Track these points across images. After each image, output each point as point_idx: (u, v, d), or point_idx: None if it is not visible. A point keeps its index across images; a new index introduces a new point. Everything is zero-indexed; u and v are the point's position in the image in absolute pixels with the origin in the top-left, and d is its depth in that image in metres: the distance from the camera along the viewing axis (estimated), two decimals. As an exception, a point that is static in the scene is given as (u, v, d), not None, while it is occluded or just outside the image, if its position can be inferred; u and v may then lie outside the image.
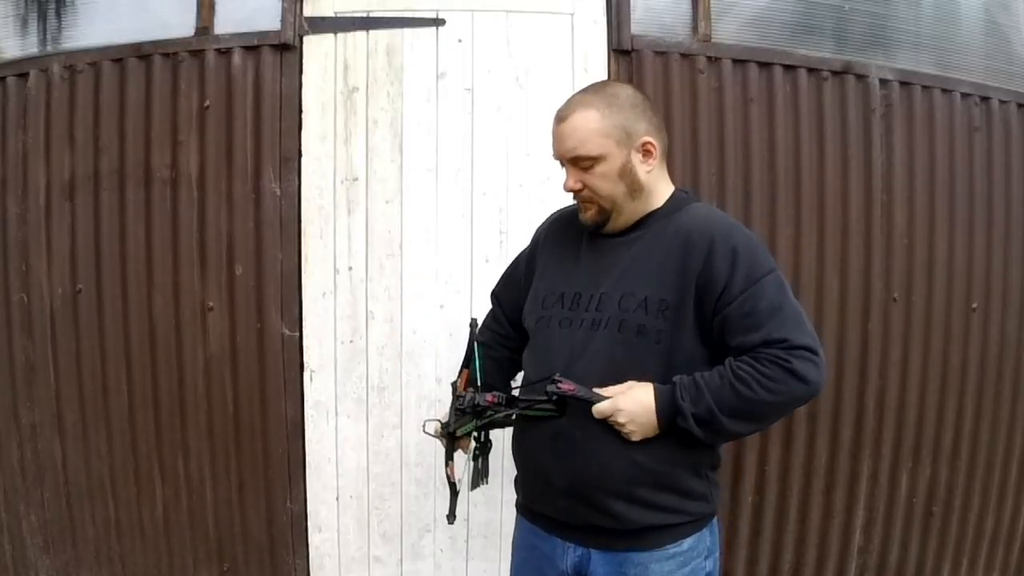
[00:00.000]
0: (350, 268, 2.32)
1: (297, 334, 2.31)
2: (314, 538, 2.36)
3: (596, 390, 1.42)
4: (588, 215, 1.51)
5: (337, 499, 2.35)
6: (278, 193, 2.29)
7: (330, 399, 2.33)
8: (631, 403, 1.40)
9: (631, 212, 1.50)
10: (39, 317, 2.37)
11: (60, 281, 2.36)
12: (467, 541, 2.36)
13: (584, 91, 1.52)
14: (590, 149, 1.43)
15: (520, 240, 2.31)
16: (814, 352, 1.39)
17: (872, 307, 2.38)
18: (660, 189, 1.51)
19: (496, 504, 2.34)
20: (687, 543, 1.47)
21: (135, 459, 2.36)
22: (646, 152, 1.45)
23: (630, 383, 1.43)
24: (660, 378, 1.42)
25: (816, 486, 2.40)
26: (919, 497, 2.47)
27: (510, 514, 2.33)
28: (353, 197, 2.32)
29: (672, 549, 1.45)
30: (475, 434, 1.54)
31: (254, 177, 2.30)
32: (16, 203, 2.38)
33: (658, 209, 1.51)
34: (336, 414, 2.33)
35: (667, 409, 1.40)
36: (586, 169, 1.44)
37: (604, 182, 1.45)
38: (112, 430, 2.36)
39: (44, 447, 2.40)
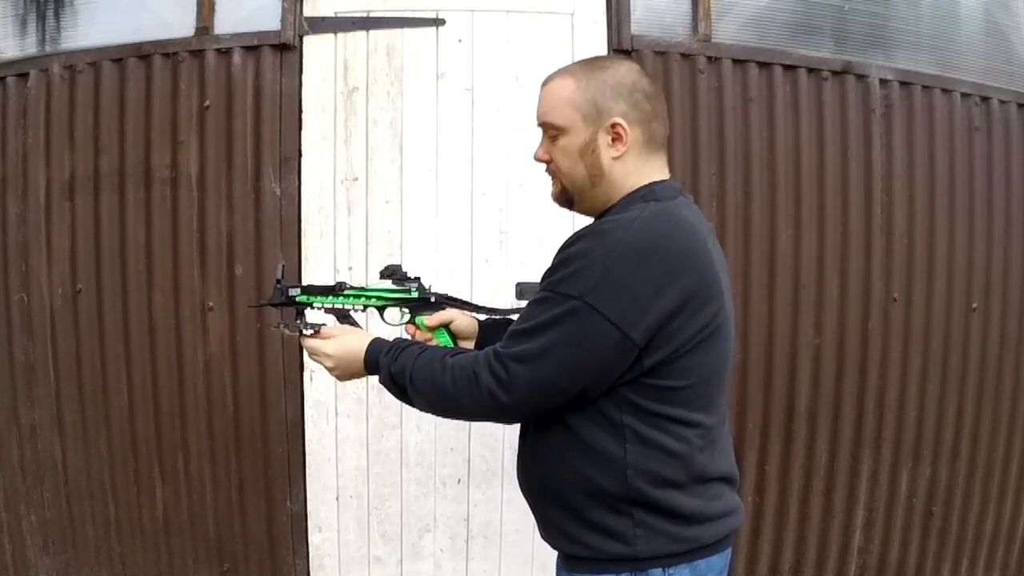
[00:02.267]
0: (350, 268, 2.32)
1: (297, 334, 2.30)
2: (314, 538, 2.36)
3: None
4: (553, 191, 1.41)
5: (337, 499, 2.35)
6: (278, 193, 2.29)
7: (330, 399, 2.33)
8: (339, 347, 1.41)
9: (592, 200, 1.35)
10: (39, 317, 2.37)
11: (60, 281, 2.36)
12: (467, 541, 2.36)
13: (579, 60, 1.42)
14: (554, 118, 1.32)
15: (520, 240, 2.32)
16: (507, 371, 1.19)
17: (872, 307, 2.38)
18: (628, 183, 1.31)
19: (496, 504, 2.34)
20: None
21: (135, 459, 2.36)
22: (615, 135, 1.28)
23: (354, 329, 1.45)
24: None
25: (816, 486, 2.40)
26: (919, 497, 2.47)
27: (510, 514, 2.35)
28: (353, 197, 2.32)
29: None
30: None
31: (254, 177, 2.30)
32: (16, 203, 2.38)
33: (612, 205, 1.32)
34: (336, 414, 2.33)
35: (371, 357, 1.38)
36: (552, 140, 1.34)
37: (564, 157, 1.33)
38: (112, 430, 2.36)
39: (44, 447, 2.40)
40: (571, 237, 1.25)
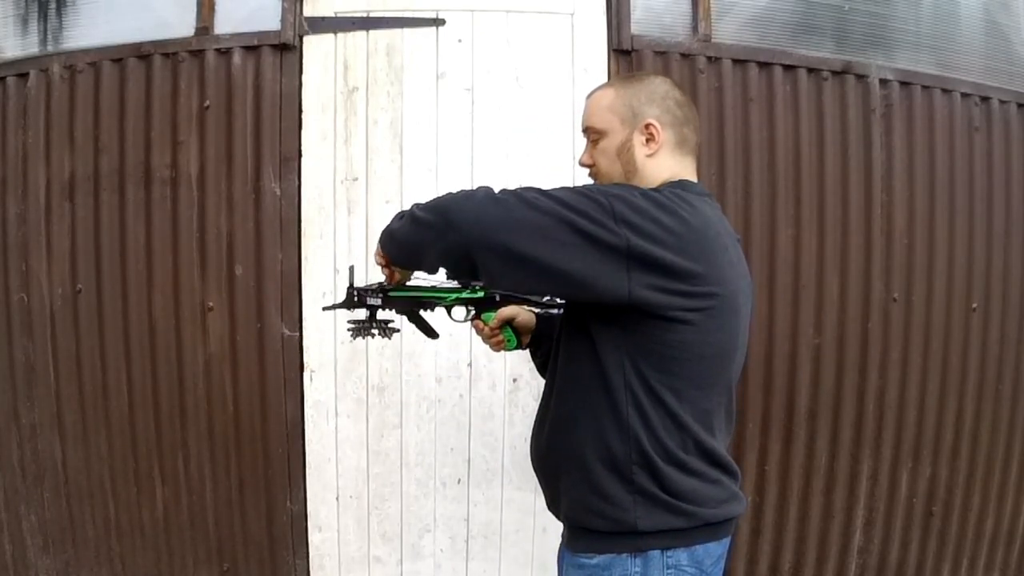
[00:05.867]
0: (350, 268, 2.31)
1: (297, 334, 2.31)
2: (314, 538, 2.36)
3: None
4: None
5: (337, 499, 2.35)
6: (278, 193, 2.29)
7: (330, 399, 2.33)
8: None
9: None
10: (39, 317, 2.37)
11: (60, 281, 2.36)
12: (467, 541, 2.36)
13: (620, 75, 1.57)
14: (595, 122, 1.44)
15: (520, 240, 2.31)
16: (504, 192, 1.28)
17: (872, 307, 2.38)
18: (660, 178, 1.41)
19: (496, 504, 2.34)
20: (598, 560, 1.28)
21: (135, 459, 2.36)
22: (649, 135, 1.40)
23: None
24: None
25: (816, 486, 2.40)
26: (919, 497, 2.47)
27: (510, 514, 2.35)
28: (353, 197, 2.32)
29: (582, 559, 1.31)
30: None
31: (254, 177, 2.30)
32: (16, 203, 2.38)
33: None
34: (336, 414, 2.33)
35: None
36: (595, 144, 1.45)
37: (604, 158, 1.44)
38: (112, 430, 2.36)
39: (44, 447, 2.40)
40: None
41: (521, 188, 1.29)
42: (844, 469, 2.40)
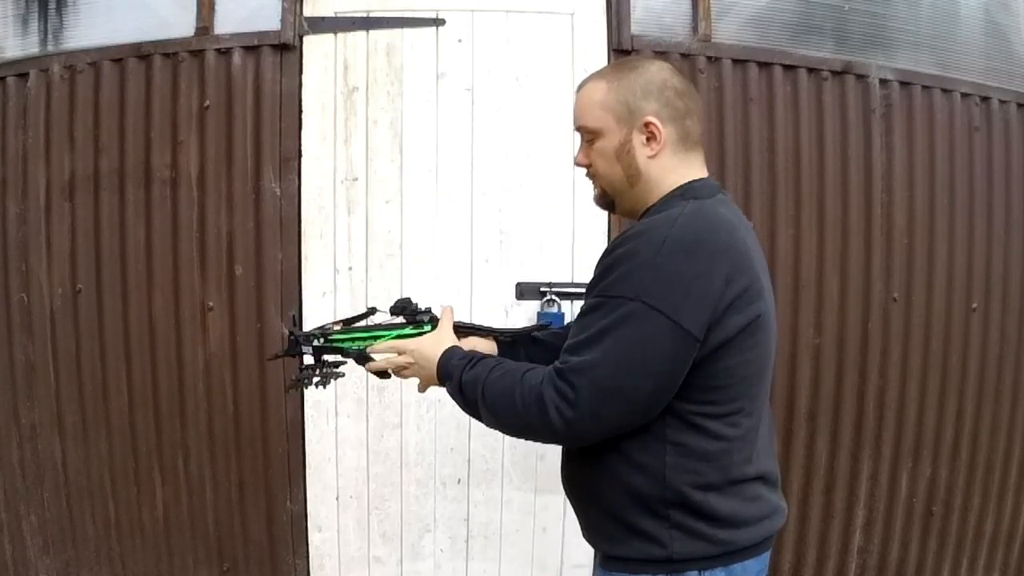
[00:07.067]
0: (350, 268, 2.32)
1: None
2: (314, 538, 2.36)
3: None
4: (594, 194, 1.42)
5: (337, 499, 2.35)
6: (278, 193, 2.29)
7: (330, 399, 2.33)
8: (419, 346, 1.40)
9: (632, 201, 1.35)
10: (39, 317, 2.37)
11: (60, 281, 2.36)
12: (467, 541, 2.36)
13: (612, 63, 1.42)
14: (588, 121, 1.33)
15: (520, 240, 2.32)
16: (571, 386, 1.17)
17: (872, 307, 2.38)
18: (666, 182, 1.31)
19: (496, 504, 2.34)
20: None
21: (135, 459, 2.36)
22: (649, 134, 1.29)
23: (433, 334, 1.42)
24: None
25: (816, 486, 2.40)
26: (919, 497, 2.47)
27: (510, 514, 2.35)
28: (353, 197, 2.32)
29: None
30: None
31: (254, 177, 2.30)
32: (16, 203, 2.38)
33: (652, 205, 1.32)
34: (336, 414, 2.33)
35: (444, 367, 1.35)
36: (590, 143, 1.35)
37: (602, 160, 1.33)
38: (112, 430, 2.36)
39: (44, 447, 2.40)
40: (614, 241, 1.25)
41: (583, 374, 1.18)
42: (844, 469, 2.40)
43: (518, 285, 2.30)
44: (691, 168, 1.32)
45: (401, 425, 2.33)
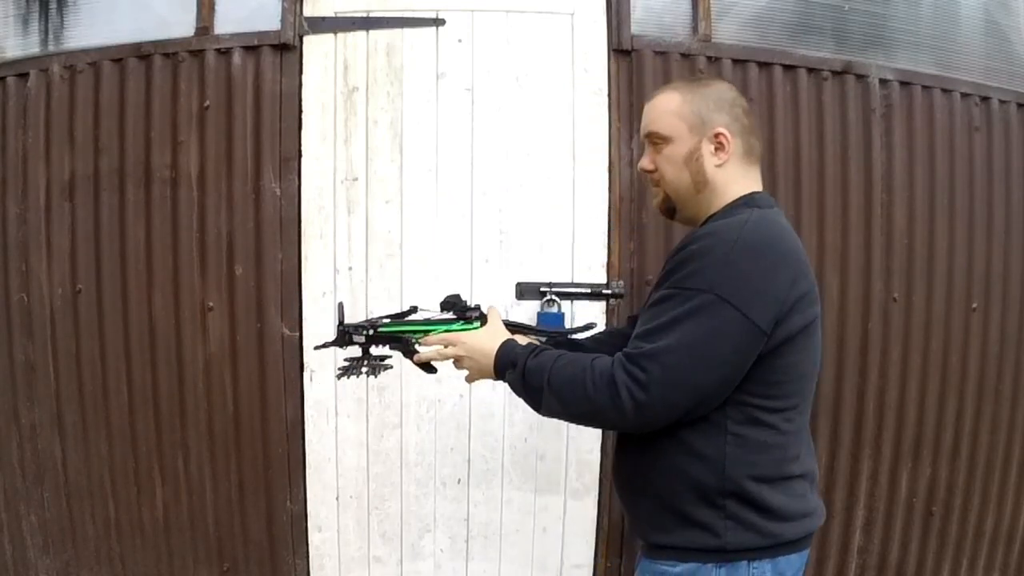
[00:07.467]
0: (350, 268, 2.32)
1: (297, 334, 2.31)
2: (314, 538, 2.36)
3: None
4: (656, 200, 1.49)
5: (337, 499, 2.35)
6: (278, 193, 2.30)
7: (330, 399, 2.33)
8: (473, 340, 1.45)
9: (696, 208, 1.42)
10: (39, 317, 2.37)
11: (60, 281, 2.36)
12: (467, 541, 2.36)
13: (681, 79, 1.55)
14: (661, 127, 1.40)
15: (520, 240, 2.32)
16: (643, 370, 1.23)
17: (872, 307, 2.38)
18: (730, 191, 1.39)
19: (496, 504, 2.34)
20: (681, 568, 1.33)
21: (135, 459, 2.36)
22: (718, 144, 1.37)
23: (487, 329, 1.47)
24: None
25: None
26: (919, 497, 2.47)
27: (510, 514, 2.35)
28: (353, 197, 2.32)
29: (663, 566, 1.35)
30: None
31: (254, 177, 2.30)
32: (16, 203, 2.38)
33: (716, 212, 1.39)
34: (336, 414, 2.33)
35: (506, 356, 1.40)
36: (658, 149, 1.41)
37: (670, 165, 1.40)
38: (112, 430, 2.36)
39: (44, 447, 2.40)
40: (685, 239, 1.33)
41: (659, 359, 1.25)
42: (844, 469, 2.40)
43: (518, 285, 2.30)
44: (752, 181, 1.42)
45: (401, 425, 2.33)
